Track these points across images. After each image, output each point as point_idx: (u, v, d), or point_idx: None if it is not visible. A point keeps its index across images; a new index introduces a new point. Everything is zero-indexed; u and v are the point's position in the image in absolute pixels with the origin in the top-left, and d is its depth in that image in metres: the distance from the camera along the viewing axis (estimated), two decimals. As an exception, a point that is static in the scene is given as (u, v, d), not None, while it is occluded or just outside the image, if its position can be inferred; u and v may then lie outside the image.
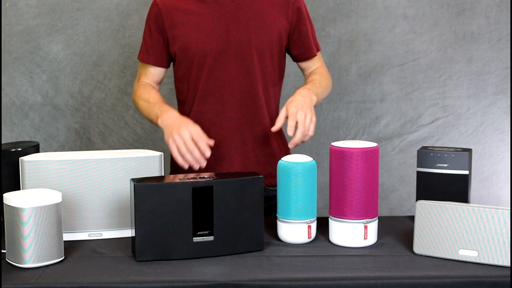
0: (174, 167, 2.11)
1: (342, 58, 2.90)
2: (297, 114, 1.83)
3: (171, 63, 2.11)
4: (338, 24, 2.88)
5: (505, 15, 2.88)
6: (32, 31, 2.82)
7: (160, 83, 2.12)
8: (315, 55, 2.14)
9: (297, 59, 2.14)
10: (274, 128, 1.87)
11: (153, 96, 2.02)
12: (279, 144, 2.11)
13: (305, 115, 1.84)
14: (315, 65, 2.15)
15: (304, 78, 2.17)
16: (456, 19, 2.89)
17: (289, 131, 1.82)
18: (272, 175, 2.00)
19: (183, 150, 1.82)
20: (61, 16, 2.82)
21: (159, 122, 1.92)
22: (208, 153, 1.82)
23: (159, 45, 2.04)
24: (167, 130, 1.87)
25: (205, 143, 1.83)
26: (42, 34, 2.83)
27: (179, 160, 1.83)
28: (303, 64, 2.15)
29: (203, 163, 1.83)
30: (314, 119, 1.86)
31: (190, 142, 1.81)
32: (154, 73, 2.09)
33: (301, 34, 2.08)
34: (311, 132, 1.85)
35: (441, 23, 2.89)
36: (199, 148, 1.82)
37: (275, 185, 1.95)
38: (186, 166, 1.83)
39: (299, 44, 2.09)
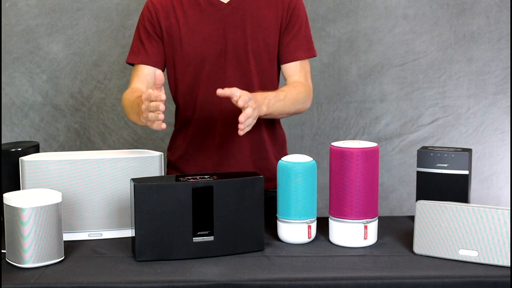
0: (170, 168, 2.11)
1: (342, 58, 2.90)
2: (250, 101, 1.73)
3: (167, 73, 2.04)
4: (338, 24, 2.88)
5: (505, 15, 2.88)
6: (32, 31, 2.82)
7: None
8: (299, 59, 2.02)
9: (281, 60, 2.03)
10: (219, 91, 1.73)
11: (135, 95, 1.89)
12: (275, 149, 2.09)
13: (255, 108, 1.74)
14: (295, 73, 2.02)
15: None
16: (456, 19, 2.89)
17: (241, 102, 1.70)
18: (268, 179, 1.97)
19: (147, 115, 1.69)
20: (61, 16, 2.82)
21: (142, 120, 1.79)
22: (162, 96, 1.65)
23: (159, 46, 1.98)
24: None
25: (149, 93, 1.67)
26: (42, 34, 2.83)
27: (154, 125, 1.69)
28: (284, 67, 2.03)
29: (161, 107, 1.65)
30: (255, 120, 1.77)
31: (148, 104, 1.68)
32: (151, 74, 1.98)
33: (290, 35, 2.00)
34: (251, 120, 1.74)
35: (441, 23, 2.89)
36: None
37: (272, 189, 1.95)
38: (160, 126, 1.68)
39: (285, 45, 2.00)
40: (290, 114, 2.00)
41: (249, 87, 1.94)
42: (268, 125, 2.05)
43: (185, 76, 1.99)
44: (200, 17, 1.96)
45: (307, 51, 2.03)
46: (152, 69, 1.99)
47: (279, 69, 2.06)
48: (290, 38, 2.00)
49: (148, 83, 1.99)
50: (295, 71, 2.03)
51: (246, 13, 1.96)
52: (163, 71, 2.01)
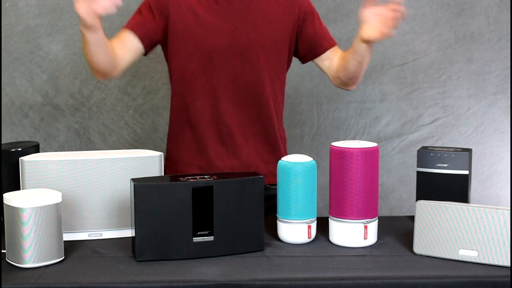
0: (166, 165, 2.10)
1: (342, 58, 2.90)
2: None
3: (169, 59, 2.05)
4: (338, 24, 2.88)
5: (505, 15, 2.87)
6: (32, 31, 2.82)
7: (126, 58, 1.99)
8: (331, 47, 2.08)
9: (307, 58, 2.09)
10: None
11: None
12: (282, 143, 2.11)
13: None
14: (338, 54, 2.08)
15: (330, 73, 2.09)
16: (456, 19, 2.89)
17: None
18: (274, 173, 1.99)
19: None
20: (61, 16, 2.82)
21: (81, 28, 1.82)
22: None
23: (154, 23, 1.97)
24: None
25: None
26: (42, 34, 2.82)
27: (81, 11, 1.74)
28: (321, 60, 2.08)
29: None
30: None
31: None
32: (133, 45, 1.98)
33: (310, 29, 2.06)
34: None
35: (441, 23, 2.89)
36: None
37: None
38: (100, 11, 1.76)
39: (308, 42, 2.06)
40: (357, 74, 2.03)
41: (258, 82, 1.99)
42: (277, 118, 2.06)
43: (195, 68, 1.99)
44: (211, 10, 1.98)
45: (331, 40, 2.10)
46: (136, 40, 1.98)
47: (289, 64, 2.10)
48: (313, 32, 2.06)
49: (123, 46, 1.98)
50: (337, 53, 2.08)
51: (257, 9, 1.99)
52: (146, 48, 2.01)
